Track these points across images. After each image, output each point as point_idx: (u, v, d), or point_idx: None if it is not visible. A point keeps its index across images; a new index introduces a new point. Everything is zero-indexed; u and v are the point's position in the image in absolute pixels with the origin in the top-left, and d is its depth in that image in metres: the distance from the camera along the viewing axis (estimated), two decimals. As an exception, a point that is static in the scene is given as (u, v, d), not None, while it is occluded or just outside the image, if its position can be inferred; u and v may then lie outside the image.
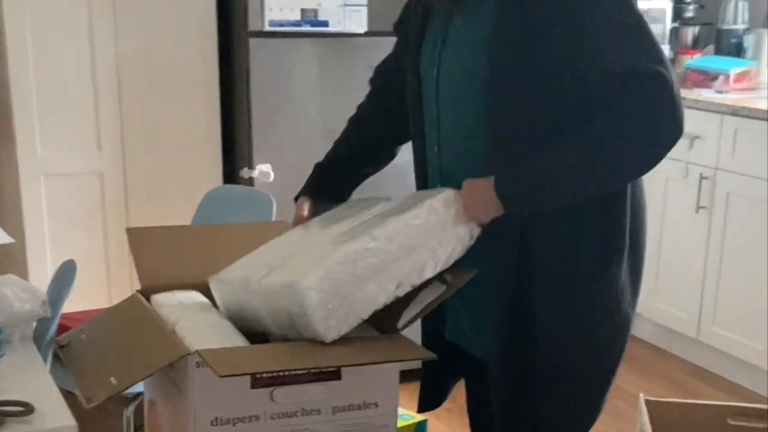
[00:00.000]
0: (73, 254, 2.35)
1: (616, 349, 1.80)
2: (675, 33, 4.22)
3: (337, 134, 2.05)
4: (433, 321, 1.88)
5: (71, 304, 2.21)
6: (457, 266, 1.70)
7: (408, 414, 2.54)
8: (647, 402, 2.15)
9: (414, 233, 1.63)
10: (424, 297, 1.67)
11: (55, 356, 1.88)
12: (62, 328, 2.02)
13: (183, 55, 3.25)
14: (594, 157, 1.62)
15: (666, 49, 4.00)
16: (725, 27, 4.05)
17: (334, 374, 1.59)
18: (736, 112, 3.41)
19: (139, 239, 1.95)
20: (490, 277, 1.72)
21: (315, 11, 3.08)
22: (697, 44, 4.24)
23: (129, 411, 2.43)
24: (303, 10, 3.07)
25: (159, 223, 2.14)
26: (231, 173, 3.36)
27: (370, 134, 2.02)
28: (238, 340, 1.63)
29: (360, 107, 2.05)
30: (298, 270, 1.58)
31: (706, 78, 3.84)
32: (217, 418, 1.54)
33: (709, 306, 3.57)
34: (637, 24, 1.63)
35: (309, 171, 2.01)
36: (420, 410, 2.01)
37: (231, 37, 3.29)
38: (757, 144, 3.31)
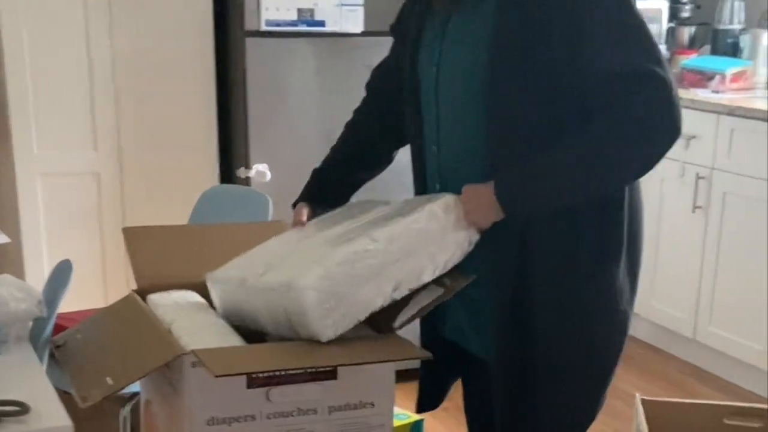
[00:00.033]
0: (69, 254, 2.35)
1: (615, 348, 1.80)
2: (671, 33, 4.22)
3: (334, 134, 2.04)
4: (432, 320, 1.88)
5: (67, 304, 2.20)
6: (456, 269, 1.70)
7: (404, 413, 2.55)
8: (643, 401, 2.15)
9: (414, 237, 1.64)
10: (421, 299, 1.67)
11: (51, 356, 1.88)
12: (58, 328, 2.02)
13: (179, 55, 3.25)
14: (593, 158, 1.63)
15: (662, 49, 4.00)
16: (721, 27, 4.05)
17: (330, 374, 1.58)
18: (732, 112, 3.41)
19: (136, 239, 1.95)
20: (490, 277, 1.73)
21: (311, 11, 3.08)
22: (693, 44, 4.24)
23: (125, 411, 2.42)
24: (299, 10, 3.07)
25: (155, 222, 2.14)
26: (227, 173, 3.36)
27: (367, 139, 2.01)
28: (234, 340, 1.63)
29: (356, 112, 2.04)
30: (296, 269, 1.58)
31: (703, 78, 3.84)
32: (212, 417, 1.53)
33: (706, 306, 3.57)
34: (636, 24, 1.63)
35: (306, 171, 2.01)
36: (419, 410, 2.00)
37: (227, 37, 3.28)
38: (753, 144, 3.32)
